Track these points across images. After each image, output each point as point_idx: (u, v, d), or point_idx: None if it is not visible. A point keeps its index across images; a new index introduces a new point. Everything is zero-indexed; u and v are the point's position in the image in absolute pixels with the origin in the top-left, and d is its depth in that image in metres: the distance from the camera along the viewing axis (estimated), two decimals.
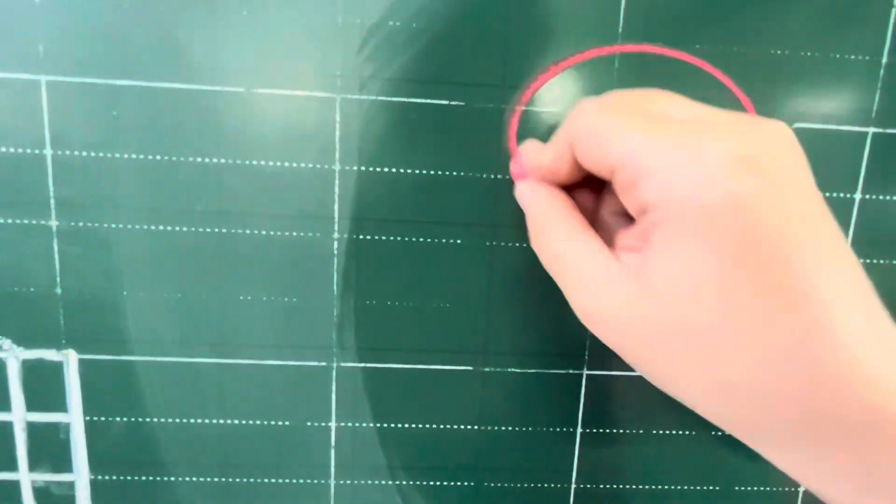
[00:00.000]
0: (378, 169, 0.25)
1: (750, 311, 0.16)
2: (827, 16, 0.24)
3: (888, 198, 0.26)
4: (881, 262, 0.26)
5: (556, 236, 0.21)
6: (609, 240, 0.21)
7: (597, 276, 0.19)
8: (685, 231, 0.16)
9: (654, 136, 0.17)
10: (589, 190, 0.22)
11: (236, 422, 0.27)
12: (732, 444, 0.28)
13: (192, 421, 0.27)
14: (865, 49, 0.24)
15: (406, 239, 0.25)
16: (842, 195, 0.26)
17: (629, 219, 0.21)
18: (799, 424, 0.16)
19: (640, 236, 0.18)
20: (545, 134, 0.24)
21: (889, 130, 0.25)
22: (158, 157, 0.24)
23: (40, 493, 0.27)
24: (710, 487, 0.28)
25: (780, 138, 0.17)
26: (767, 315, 0.16)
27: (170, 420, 0.26)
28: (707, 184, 0.16)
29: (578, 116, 0.20)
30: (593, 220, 0.22)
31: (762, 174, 0.16)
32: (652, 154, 0.17)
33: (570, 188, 0.22)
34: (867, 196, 0.26)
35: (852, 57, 0.24)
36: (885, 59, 0.24)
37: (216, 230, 0.25)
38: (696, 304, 0.17)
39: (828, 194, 0.26)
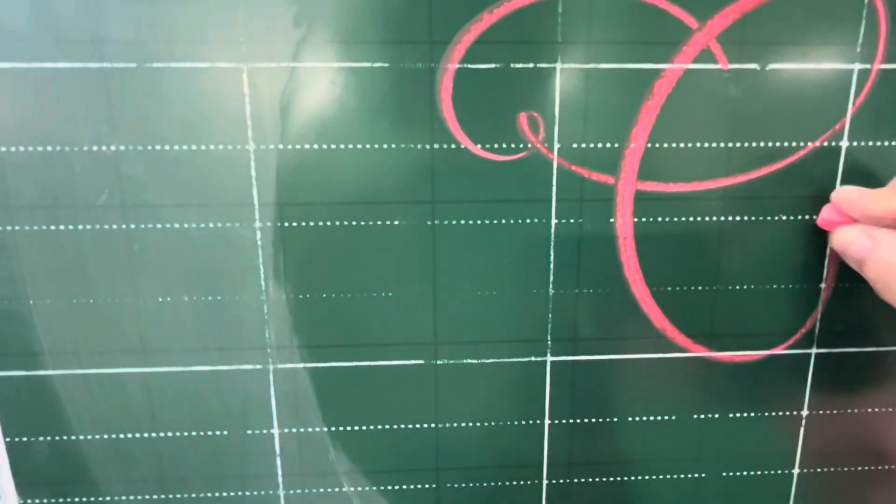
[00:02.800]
0: (298, 146, 0.22)
1: None
2: None
3: (878, 144, 0.23)
4: None
5: None
6: None
7: None
8: None
9: None
10: None
11: (170, 434, 0.24)
12: (719, 427, 0.25)
13: (121, 436, 0.24)
14: None
15: (338, 223, 0.23)
16: (826, 144, 0.23)
17: None
18: None
19: None
20: (483, 95, 0.22)
21: (877, 66, 0.22)
22: (49, 148, 0.21)
23: None
24: (695, 475, 0.26)
25: None
26: None
27: (97, 436, 0.24)
28: None
29: None
30: None
31: None
32: None
33: None
34: (854, 143, 0.23)
35: None
36: None
37: (123, 226, 0.22)
38: None
39: (808, 144, 0.23)
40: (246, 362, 0.24)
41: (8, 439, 0.24)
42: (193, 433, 0.24)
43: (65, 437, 0.24)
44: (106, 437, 0.24)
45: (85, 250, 0.22)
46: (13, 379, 0.23)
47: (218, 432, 0.24)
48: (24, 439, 0.24)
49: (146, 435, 0.24)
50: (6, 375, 0.23)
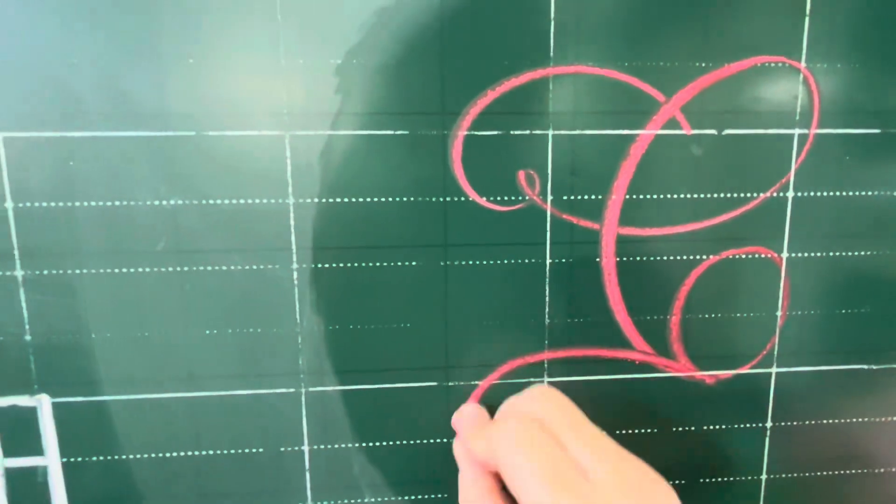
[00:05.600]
0: (331, 200, 0.26)
1: None
2: (746, 25, 0.26)
3: (818, 194, 0.27)
4: (817, 254, 0.28)
5: None
6: None
7: None
8: None
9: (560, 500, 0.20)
10: None
11: (210, 452, 0.27)
12: (695, 438, 0.29)
13: (166, 455, 0.27)
14: (786, 55, 0.26)
15: (363, 264, 0.26)
16: (775, 195, 0.27)
17: None
18: None
19: None
20: (488, 156, 0.26)
21: (813, 131, 0.27)
22: (117, 203, 0.25)
23: None
24: (676, 482, 0.29)
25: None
26: None
27: (145, 455, 0.27)
28: None
29: (501, 441, 0.23)
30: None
31: None
32: None
33: None
34: (798, 194, 0.27)
35: (772, 65, 0.26)
36: (803, 65, 0.26)
37: (177, 269, 0.26)
38: None
39: (761, 195, 0.27)
40: (281, 386, 0.27)
41: (65, 459, 0.27)
42: (232, 451, 0.27)
43: (115, 457, 0.27)
44: (153, 455, 0.27)
45: (143, 290, 0.26)
46: (72, 404, 0.26)
47: (254, 450, 0.27)
48: (79, 459, 0.27)
49: (189, 453, 0.27)
50: (66, 401, 0.26)
